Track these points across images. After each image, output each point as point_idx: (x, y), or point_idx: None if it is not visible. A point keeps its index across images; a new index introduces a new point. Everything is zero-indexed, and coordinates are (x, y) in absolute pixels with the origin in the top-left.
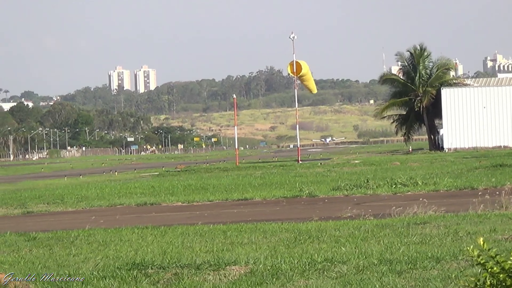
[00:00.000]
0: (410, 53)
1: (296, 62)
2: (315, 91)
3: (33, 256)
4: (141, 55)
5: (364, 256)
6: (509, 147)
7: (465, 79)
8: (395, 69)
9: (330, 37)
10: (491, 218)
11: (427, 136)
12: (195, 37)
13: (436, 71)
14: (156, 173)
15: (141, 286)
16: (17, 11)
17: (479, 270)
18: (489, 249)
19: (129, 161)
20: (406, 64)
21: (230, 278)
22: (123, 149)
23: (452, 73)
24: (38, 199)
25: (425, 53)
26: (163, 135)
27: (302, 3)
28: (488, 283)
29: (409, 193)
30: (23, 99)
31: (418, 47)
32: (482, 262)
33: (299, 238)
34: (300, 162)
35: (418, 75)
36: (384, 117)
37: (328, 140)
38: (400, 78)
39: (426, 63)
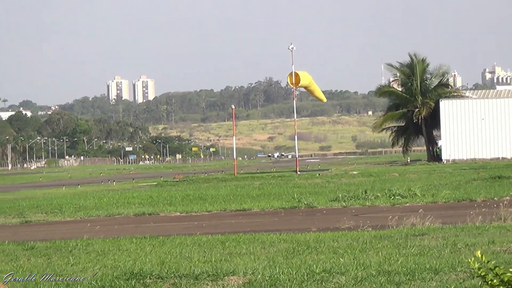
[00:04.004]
0: (408, 63)
1: (296, 73)
2: (324, 99)
3: (31, 265)
4: (140, 65)
5: (363, 267)
6: (507, 159)
7: (464, 91)
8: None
9: (329, 48)
10: (489, 230)
11: (425, 147)
12: (194, 48)
13: (435, 80)
14: (154, 183)
15: None
16: (16, 20)
17: (479, 283)
18: (488, 262)
19: (127, 171)
20: (403, 76)
21: None
22: (121, 159)
23: (450, 79)
24: (36, 209)
25: (424, 64)
26: (161, 145)
27: (302, 14)
28: None
29: (408, 204)
30: (21, 108)
31: (415, 57)
32: (482, 274)
33: (297, 249)
34: (299, 172)
35: (416, 86)
36: (383, 129)
37: (276, 155)
38: (397, 90)
39: (425, 74)
